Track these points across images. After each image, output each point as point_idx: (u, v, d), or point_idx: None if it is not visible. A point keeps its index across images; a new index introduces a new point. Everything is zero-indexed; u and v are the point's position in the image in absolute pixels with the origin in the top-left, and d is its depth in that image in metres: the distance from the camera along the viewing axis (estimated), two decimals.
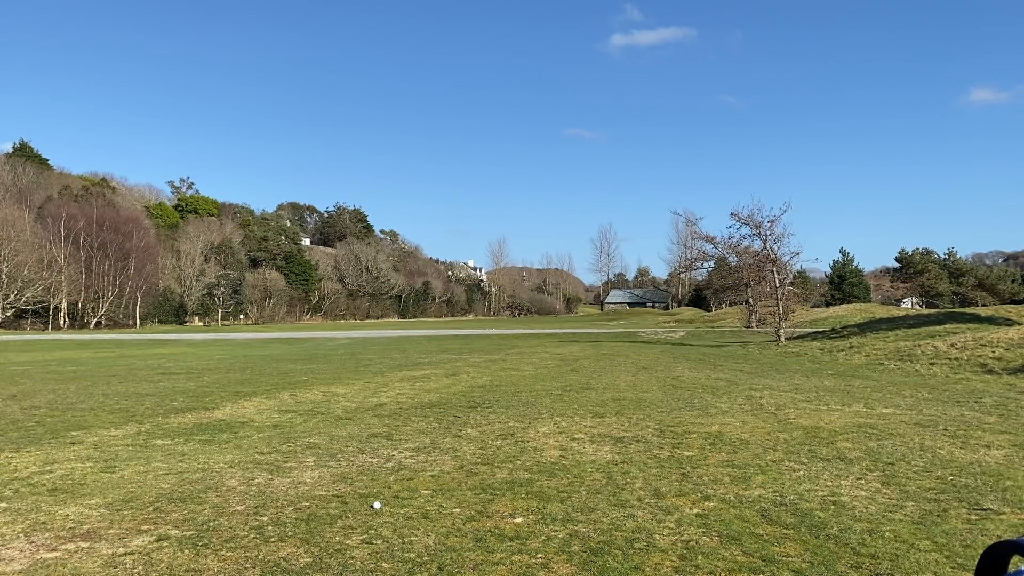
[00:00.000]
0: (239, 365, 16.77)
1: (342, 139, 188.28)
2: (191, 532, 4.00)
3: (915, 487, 4.86)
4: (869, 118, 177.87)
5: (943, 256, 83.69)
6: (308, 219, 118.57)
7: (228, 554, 3.66)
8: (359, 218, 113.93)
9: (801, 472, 5.33)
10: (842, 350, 19.11)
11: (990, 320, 21.88)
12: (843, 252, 78.75)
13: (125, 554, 3.65)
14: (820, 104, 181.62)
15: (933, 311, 36.20)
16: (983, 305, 59.69)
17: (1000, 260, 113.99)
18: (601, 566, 3.44)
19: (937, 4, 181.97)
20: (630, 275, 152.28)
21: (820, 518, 4.17)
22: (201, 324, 70.64)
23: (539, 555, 3.60)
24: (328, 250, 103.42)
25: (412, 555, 3.62)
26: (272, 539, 3.89)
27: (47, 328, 57.62)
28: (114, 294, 62.41)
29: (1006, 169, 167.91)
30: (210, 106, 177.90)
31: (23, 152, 74.45)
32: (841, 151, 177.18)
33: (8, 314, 55.74)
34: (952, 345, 15.77)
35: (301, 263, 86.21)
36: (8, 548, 3.78)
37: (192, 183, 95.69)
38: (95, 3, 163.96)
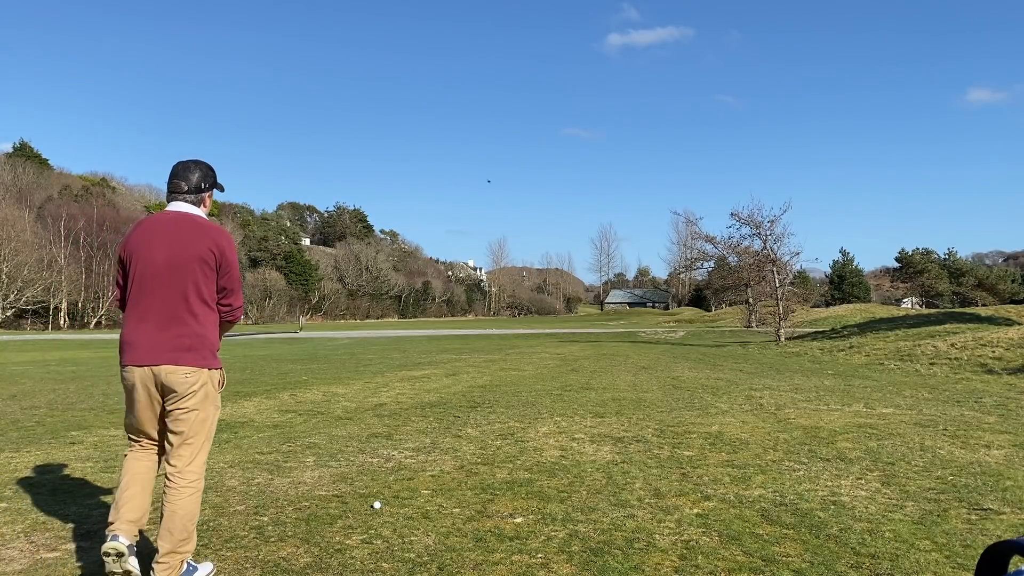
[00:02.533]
0: (239, 365, 16.78)
1: (342, 139, 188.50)
2: None
3: (915, 487, 4.86)
4: (868, 118, 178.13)
5: (943, 256, 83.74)
6: (308, 219, 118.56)
7: (228, 554, 3.66)
8: (359, 218, 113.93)
9: (801, 472, 5.33)
10: (842, 350, 19.11)
11: (990, 320, 21.88)
12: (843, 252, 78.90)
13: None
14: (818, 104, 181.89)
15: (933, 311, 36.20)
16: (983, 305, 59.70)
17: (1000, 260, 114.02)
18: (601, 566, 3.44)
19: (934, 4, 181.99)
20: (630, 275, 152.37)
21: (820, 518, 4.17)
22: None
23: (539, 555, 3.60)
24: (328, 250, 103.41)
25: (412, 555, 3.62)
26: (272, 539, 3.89)
27: (47, 328, 57.61)
28: (114, 294, 62.42)
29: (1005, 169, 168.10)
30: (210, 106, 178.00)
31: (23, 152, 74.41)
32: (840, 151, 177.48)
33: (8, 314, 55.72)
34: (952, 345, 15.77)
35: (301, 263, 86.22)
36: (8, 548, 3.78)
37: None
38: (94, 4, 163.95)
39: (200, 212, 3.36)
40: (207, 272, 3.21)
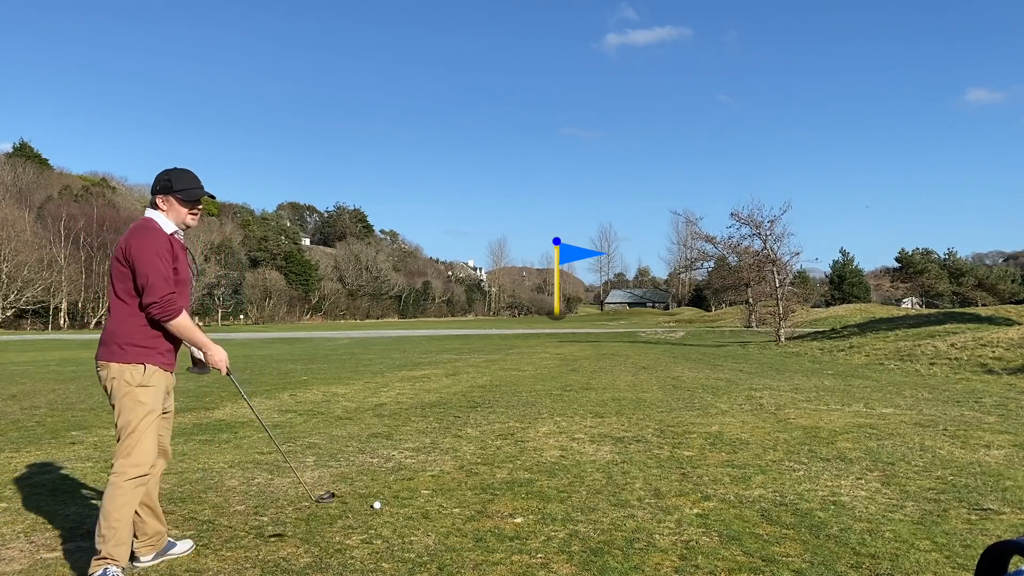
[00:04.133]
0: (239, 365, 16.78)
1: (342, 139, 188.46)
2: (191, 532, 4.00)
3: (915, 487, 4.86)
4: (867, 118, 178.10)
5: (943, 256, 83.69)
6: (308, 219, 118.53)
7: (228, 554, 3.66)
8: (359, 218, 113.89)
9: (801, 472, 5.33)
10: (842, 350, 19.11)
11: (990, 320, 21.88)
12: (843, 252, 78.91)
13: None
14: (817, 104, 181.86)
15: (933, 311, 36.19)
16: (983, 305, 59.71)
17: (1000, 260, 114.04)
18: (601, 566, 3.44)
19: (933, 5, 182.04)
20: (630, 275, 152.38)
21: (820, 518, 4.17)
22: (201, 324, 70.57)
23: (539, 555, 3.60)
24: (328, 250, 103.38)
25: (412, 555, 3.62)
26: (272, 539, 3.89)
27: (47, 328, 57.62)
28: None
29: (1005, 169, 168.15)
30: (210, 106, 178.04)
31: (23, 152, 74.35)
32: (840, 151, 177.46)
33: (8, 314, 55.70)
34: (952, 345, 15.77)
35: (301, 263, 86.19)
36: (8, 548, 3.78)
37: None
38: (94, 4, 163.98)
39: (155, 215, 3.53)
40: (121, 270, 3.42)
